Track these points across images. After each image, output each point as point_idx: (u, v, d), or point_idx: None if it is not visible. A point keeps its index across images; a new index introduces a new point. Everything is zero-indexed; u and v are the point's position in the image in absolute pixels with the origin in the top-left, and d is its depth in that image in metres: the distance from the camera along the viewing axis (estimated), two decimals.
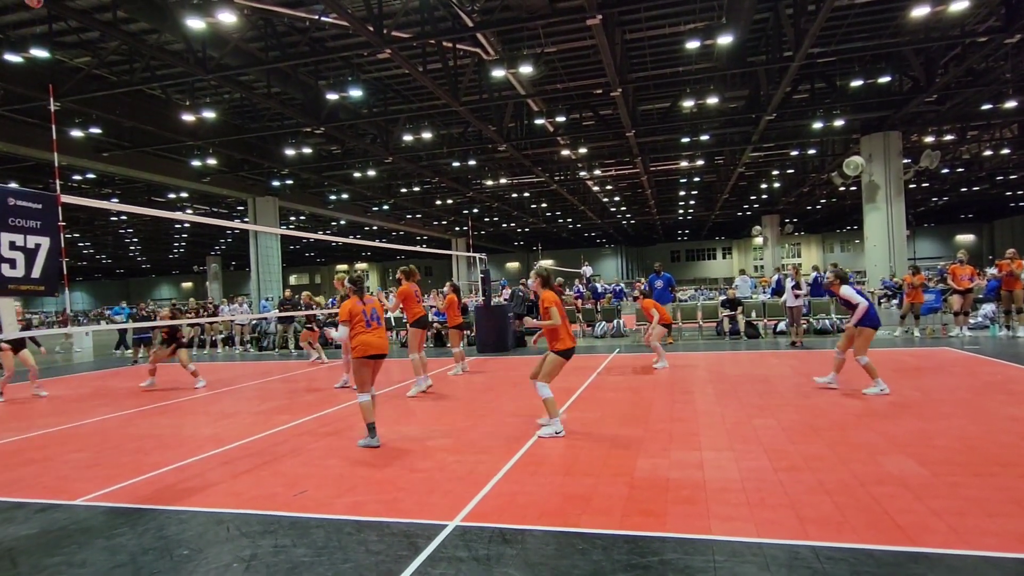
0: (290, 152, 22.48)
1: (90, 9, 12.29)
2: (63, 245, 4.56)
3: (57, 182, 5.36)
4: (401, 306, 8.58)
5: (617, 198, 39.44)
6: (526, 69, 14.43)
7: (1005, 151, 27.03)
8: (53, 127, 5.82)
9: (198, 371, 10.17)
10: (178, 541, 3.59)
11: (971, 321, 12.71)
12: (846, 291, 7.00)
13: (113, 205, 13.00)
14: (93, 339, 21.20)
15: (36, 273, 4.20)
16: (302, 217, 39.18)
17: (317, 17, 12.34)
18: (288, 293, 17.90)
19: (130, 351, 16.45)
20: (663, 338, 10.43)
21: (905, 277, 12.63)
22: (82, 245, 48.07)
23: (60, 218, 4.44)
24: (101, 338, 23.61)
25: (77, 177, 25.47)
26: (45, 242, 4.26)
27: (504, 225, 48.60)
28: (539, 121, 20.33)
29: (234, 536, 3.61)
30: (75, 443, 6.35)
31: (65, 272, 4.95)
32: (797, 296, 11.82)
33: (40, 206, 4.27)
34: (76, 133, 18.36)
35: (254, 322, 17.77)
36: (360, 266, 72.53)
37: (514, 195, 35.65)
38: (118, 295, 70.62)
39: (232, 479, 4.78)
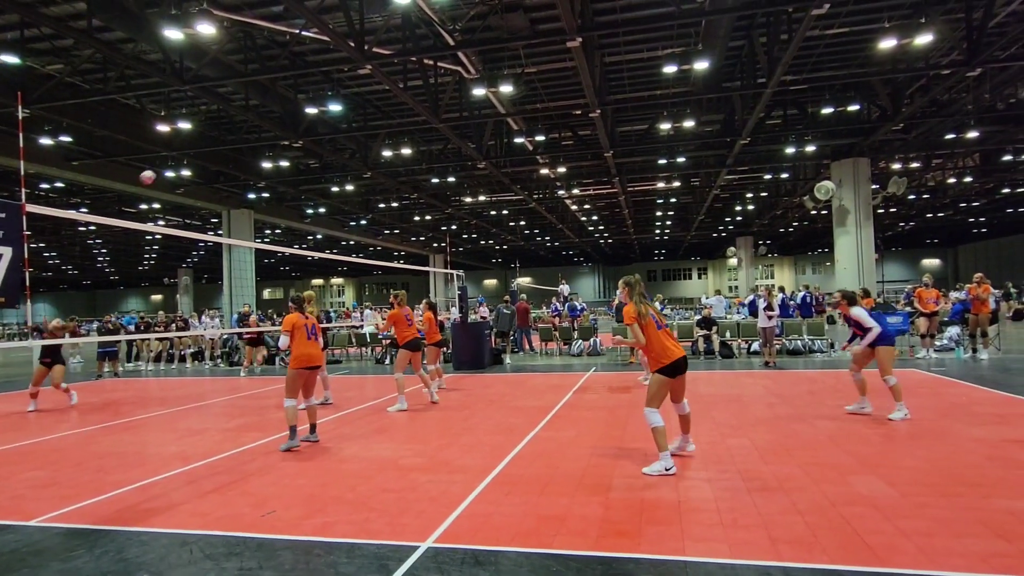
0: (267, 165, 22.27)
1: (65, 16, 12.10)
2: (27, 255, 4.42)
3: (23, 190, 5.22)
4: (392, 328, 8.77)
5: (595, 217, 39.83)
6: (506, 88, 14.57)
7: (968, 179, 28.03)
8: (20, 134, 5.68)
9: (70, 388, 10.09)
10: (138, 564, 3.45)
11: (937, 343, 13.03)
12: (857, 312, 6.81)
13: (81, 216, 12.67)
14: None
15: None
16: (278, 231, 38.74)
17: (298, 31, 12.32)
18: (246, 308, 17.58)
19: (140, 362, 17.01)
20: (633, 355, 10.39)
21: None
22: (48, 256, 46.78)
23: (25, 228, 4.32)
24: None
25: (45, 186, 24.86)
26: (7, 252, 4.13)
27: (482, 242, 48.64)
28: (519, 140, 20.50)
29: (197, 558, 3.49)
30: (32, 461, 6.11)
31: (28, 283, 4.80)
32: (770, 317, 12.01)
33: (3, 215, 4.15)
34: (45, 141, 17.94)
35: (224, 337, 17.42)
36: (336, 281, 71.87)
37: (493, 212, 35.76)
38: (84, 307, 68.81)
39: (197, 499, 4.64)
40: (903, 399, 6.70)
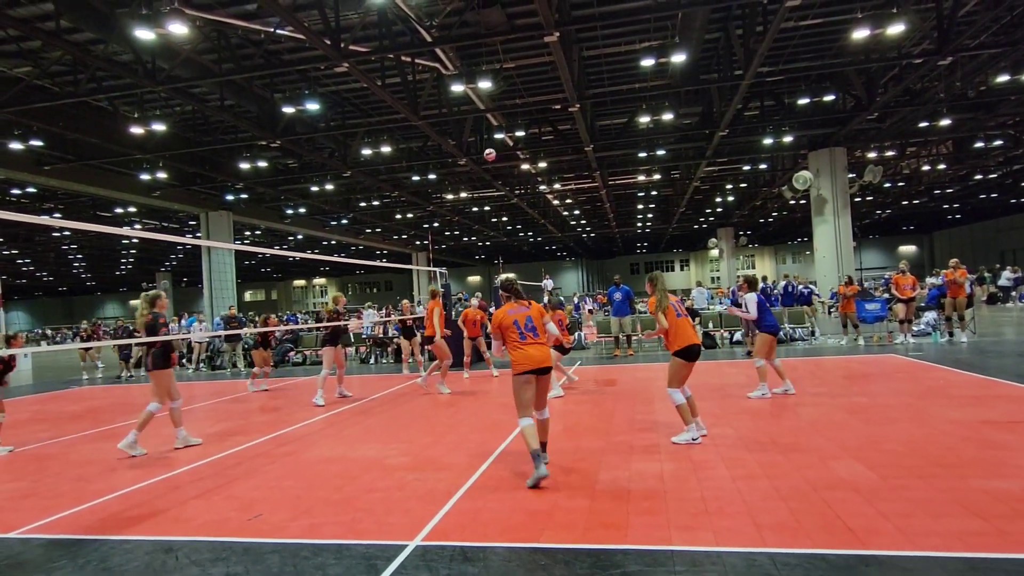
0: (245, 166, 21.97)
1: (31, 18, 11.81)
2: None
3: None
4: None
5: (577, 212, 39.93)
6: (485, 84, 14.52)
7: (941, 166, 28.54)
8: None
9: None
10: (122, 572, 3.41)
11: (914, 328, 13.28)
12: (749, 297, 7.42)
13: (54, 221, 12.39)
14: (32, 361, 20.15)
15: None
16: (257, 232, 38.32)
17: (272, 30, 12.16)
18: (232, 311, 17.40)
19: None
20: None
21: (839, 288, 13.12)
22: (21, 262, 45.80)
23: None
24: (40, 360, 22.49)
25: (16, 191, 24.31)
26: None
27: (465, 239, 48.55)
28: (499, 135, 20.45)
29: (183, 565, 3.46)
30: (11, 471, 5.99)
31: (0, 291, 4.70)
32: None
33: None
34: (15, 145, 17.55)
35: (206, 340, 17.20)
36: (319, 281, 71.30)
37: (475, 209, 35.69)
38: (60, 314, 67.52)
39: (181, 505, 4.59)
40: (767, 381, 7.42)
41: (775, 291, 16.70)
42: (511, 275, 5.24)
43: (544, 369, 4.69)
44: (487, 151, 9.04)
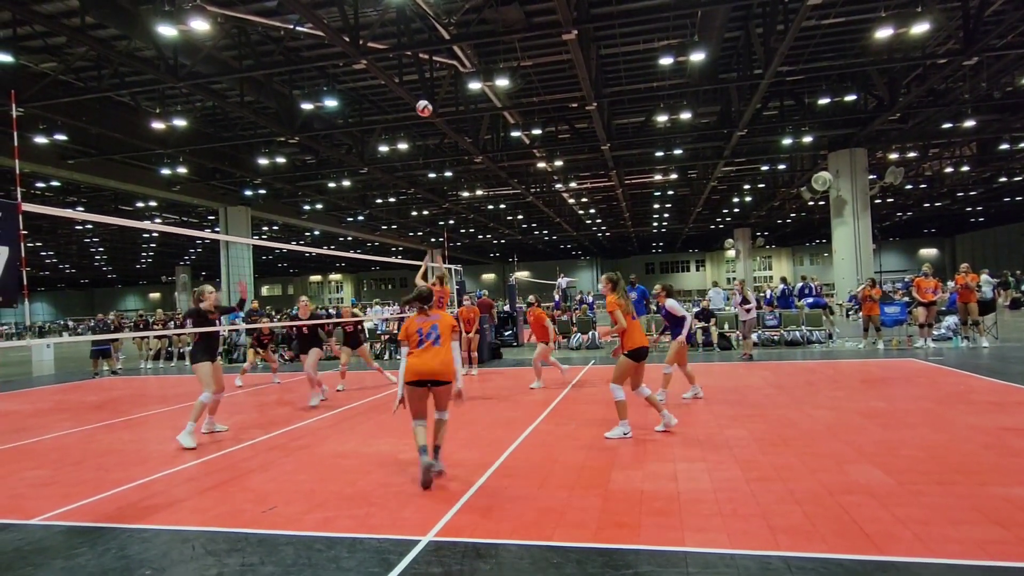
0: (263, 161, 22.21)
1: (57, 14, 12.03)
2: (24, 255, 4.42)
3: (19, 189, 5.20)
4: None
5: (592, 210, 39.80)
6: (502, 82, 14.53)
7: (965, 168, 28.04)
8: (15, 133, 5.66)
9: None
10: (141, 561, 3.47)
11: (935, 333, 13.07)
12: (671, 303, 7.34)
13: (77, 214, 12.47)
14: (55, 351, 20.55)
15: None
16: (275, 227, 38.71)
17: (292, 27, 12.27)
18: (256, 304, 17.60)
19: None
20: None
21: (864, 290, 12.96)
22: (45, 254, 46.68)
23: (21, 227, 4.31)
24: (62, 351, 22.92)
25: (40, 185, 24.80)
26: (4, 251, 4.12)
27: (480, 237, 48.62)
28: (515, 133, 20.45)
29: (199, 555, 3.51)
30: (32, 460, 6.12)
31: (25, 282, 4.79)
32: (748, 311, 11.91)
33: (0, 214, 4.13)
34: (40, 139, 17.89)
35: (223, 334, 17.40)
36: (334, 277, 71.83)
37: (490, 207, 35.73)
38: (82, 306, 68.74)
39: (198, 495, 4.65)
40: (667, 387, 7.43)
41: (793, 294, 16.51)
42: (425, 286, 5.17)
43: (438, 381, 4.74)
44: (421, 104, 8.66)
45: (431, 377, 4.71)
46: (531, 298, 11.09)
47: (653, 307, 18.57)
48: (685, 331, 7.35)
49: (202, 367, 6.60)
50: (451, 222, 40.14)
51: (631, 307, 5.87)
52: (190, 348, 6.67)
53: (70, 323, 51.66)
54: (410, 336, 4.81)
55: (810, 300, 15.40)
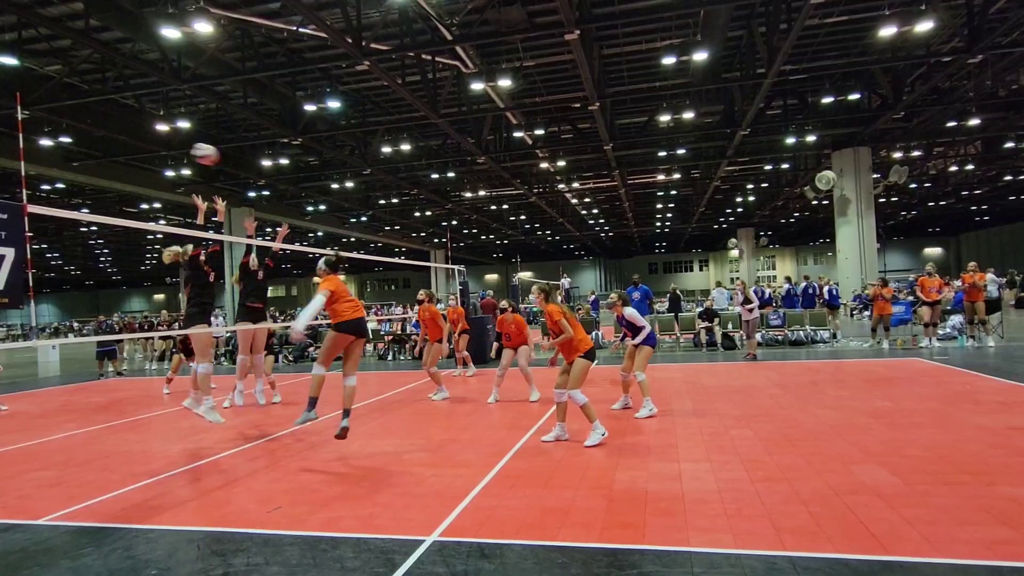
0: (267, 163, 22.26)
1: (62, 17, 12.08)
2: (29, 256, 4.43)
3: (24, 191, 5.23)
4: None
5: (595, 210, 39.78)
6: (505, 82, 14.54)
7: (969, 167, 27.93)
8: (20, 136, 5.69)
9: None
10: (146, 561, 3.47)
11: (940, 332, 13.02)
12: (630, 313, 7.05)
13: (82, 216, 12.53)
14: (60, 352, 20.64)
15: (0, 285, 4.07)
16: (279, 228, 38.75)
17: (295, 28, 12.29)
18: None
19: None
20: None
21: (874, 289, 12.91)
22: (50, 256, 46.87)
23: (27, 229, 4.33)
24: (68, 352, 22.99)
25: (46, 187, 24.90)
26: (10, 253, 4.14)
27: (483, 237, 48.64)
28: (518, 134, 20.46)
29: (205, 555, 3.52)
30: (38, 460, 6.14)
31: (31, 284, 4.81)
32: (751, 310, 11.84)
33: (5, 216, 4.15)
34: (45, 142, 17.96)
35: (228, 334, 17.44)
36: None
37: (493, 207, 35.74)
38: (87, 307, 68.97)
39: (203, 496, 4.66)
40: (650, 395, 6.91)
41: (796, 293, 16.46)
42: (330, 255, 5.96)
43: (359, 327, 5.48)
44: (199, 150, 7.27)
45: (360, 322, 5.53)
46: (566, 284, 10.22)
47: (656, 307, 18.57)
48: (642, 336, 6.97)
49: (201, 334, 6.39)
50: (454, 223, 40.16)
51: (571, 311, 5.83)
52: (185, 312, 6.50)
53: (75, 324, 51.84)
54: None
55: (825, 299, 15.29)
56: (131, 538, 3.83)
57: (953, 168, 28.26)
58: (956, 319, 13.61)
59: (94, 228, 36.20)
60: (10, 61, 12.84)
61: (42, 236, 36.62)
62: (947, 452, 4.85)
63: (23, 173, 5.37)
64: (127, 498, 4.70)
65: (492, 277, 65.35)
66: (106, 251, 47.31)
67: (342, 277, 5.75)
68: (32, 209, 4.52)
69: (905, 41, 14.66)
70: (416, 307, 10.33)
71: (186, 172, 22.82)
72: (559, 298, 5.85)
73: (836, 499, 3.90)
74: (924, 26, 12.86)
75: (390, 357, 16.16)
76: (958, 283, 15.54)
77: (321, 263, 5.84)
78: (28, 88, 13.88)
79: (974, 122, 20.24)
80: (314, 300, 5.27)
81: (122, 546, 3.71)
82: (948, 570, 2.92)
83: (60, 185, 24.62)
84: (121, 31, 12.17)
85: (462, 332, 11.18)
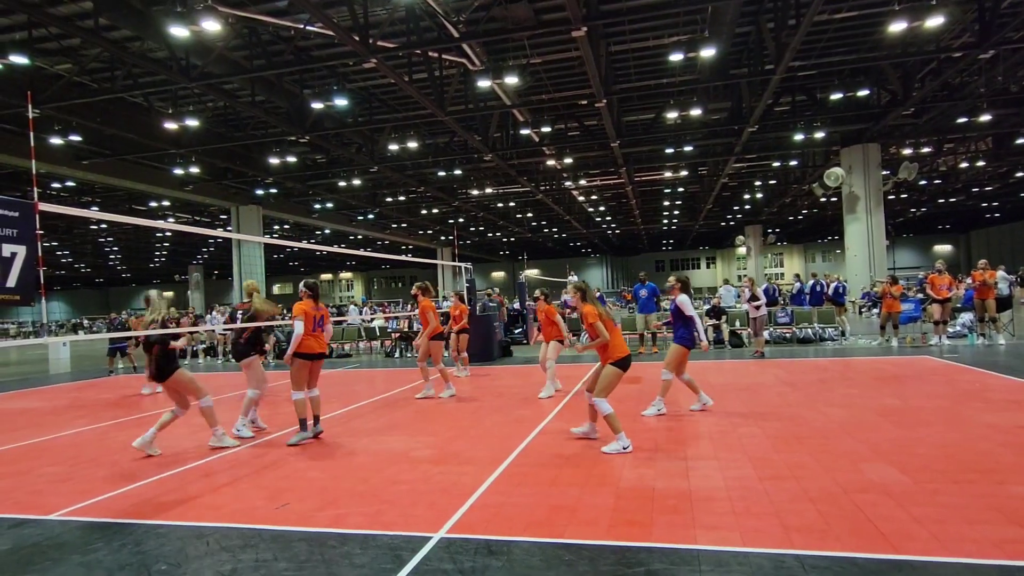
0: (274, 161, 22.34)
1: (72, 16, 12.16)
2: (40, 254, 4.47)
3: (35, 190, 5.28)
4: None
5: (602, 208, 39.69)
6: (511, 79, 14.52)
7: (980, 163, 27.67)
8: (31, 134, 5.74)
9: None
10: (156, 556, 3.51)
11: (950, 330, 12.92)
12: (683, 299, 6.69)
13: (93, 213, 12.68)
14: (71, 349, 20.82)
15: (11, 282, 4.11)
16: (286, 226, 38.93)
17: (302, 26, 12.32)
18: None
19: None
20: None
21: (884, 287, 12.83)
22: (60, 254, 47.27)
23: (38, 226, 4.36)
24: (78, 349, 23.19)
25: (56, 185, 25.10)
26: (21, 251, 4.18)
27: (489, 235, 48.64)
28: (524, 131, 20.43)
29: (214, 550, 3.54)
30: (49, 456, 6.20)
31: (42, 281, 4.86)
32: (757, 308, 11.78)
33: (17, 214, 4.19)
34: (55, 140, 18.09)
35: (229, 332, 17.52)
36: (345, 275, 72.16)
37: (499, 205, 35.74)
38: (97, 305, 69.50)
39: (212, 492, 4.70)
40: (665, 396, 6.80)
41: (805, 291, 16.38)
42: (312, 280, 6.55)
43: (321, 355, 6.30)
44: None
45: (318, 351, 6.29)
46: (537, 292, 9.55)
47: (664, 304, 18.52)
48: (701, 333, 6.68)
49: (256, 362, 6.92)
50: (461, 220, 40.19)
51: (608, 314, 5.59)
52: (234, 346, 6.94)
53: (85, 321, 52.28)
54: (308, 320, 6.15)
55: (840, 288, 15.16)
56: (141, 534, 3.86)
57: (963, 164, 28.00)
58: (966, 317, 13.50)
59: (104, 226, 36.46)
60: (21, 60, 12.95)
61: (53, 234, 36.94)
62: (957, 450, 4.81)
63: (34, 171, 5.41)
64: (137, 494, 4.74)
65: (499, 275, 65.36)
66: (116, 249, 47.65)
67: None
68: (43, 207, 4.56)
69: (915, 36, 14.53)
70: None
71: (194, 170, 22.95)
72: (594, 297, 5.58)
73: (844, 497, 3.89)
74: (935, 21, 12.75)
75: (396, 354, 16.20)
76: (968, 280, 15.41)
77: (302, 285, 6.52)
78: (39, 87, 14.00)
79: (985, 118, 20.06)
80: (295, 330, 6.11)
81: (132, 541, 3.74)
82: (958, 569, 2.91)
83: (70, 183, 24.82)
84: (130, 30, 12.24)
85: (460, 331, 10.78)
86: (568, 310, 18.29)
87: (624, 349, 5.44)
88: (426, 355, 8.67)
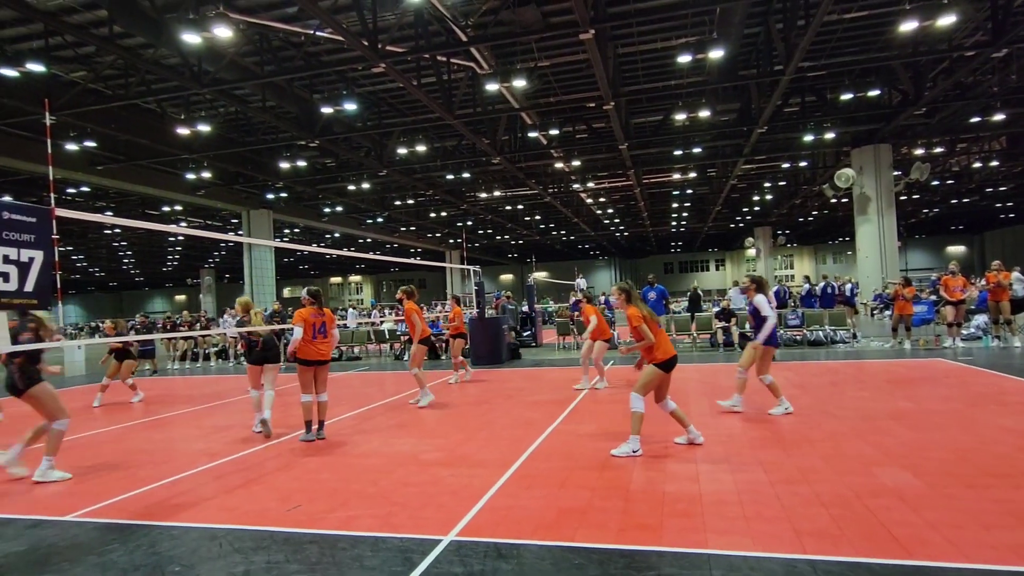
0: (284, 165, 22.50)
1: (87, 24, 12.33)
2: (56, 258, 4.54)
3: (52, 195, 5.35)
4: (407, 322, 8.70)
5: (610, 210, 39.61)
6: (520, 83, 14.54)
7: (994, 163, 27.37)
8: (48, 141, 5.83)
9: (136, 385, 10.48)
10: (170, 557, 3.54)
11: (964, 332, 12.78)
12: (760, 300, 6.57)
13: (107, 218, 12.93)
14: (85, 352, 21.04)
15: (29, 287, 4.17)
16: (296, 230, 39.16)
17: (312, 32, 12.41)
18: (278, 306, 17.84)
19: None
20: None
21: (896, 288, 12.72)
22: (76, 258, 47.82)
23: (54, 231, 4.43)
24: (94, 351, 23.39)
25: (71, 190, 25.41)
26: (39, 255, 4.24)
27: (498, 237, 48.68)
28: (533, 134, 20.45)
29: (227, 552, 3.57)
30: (65, 458, 6.26)
31: (58, 285, 4.93)
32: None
33: (34, 219, 4.25)
34: (71, 147, 18.34)
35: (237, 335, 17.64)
36: (354, 279, 72.46)
37: (508, 207, 35.77)
38: (111, 308, 70.22)
39: (225, 494, 4.73)
40: (783, 394, 6.68)
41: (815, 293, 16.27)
42: (315, 288, 6.77)
43: (324, 361, 6.47)
44: None
45: (322, 358, 6.48)
46: (582, 284, 9.38)
47: (672, 307, 18.44)
48: (763, 335, 6.49)
49: (253, 370, 7.04)
50: (469, 223, 40.25)
51: (654, 315, 5.42)
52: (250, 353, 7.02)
53: (99, 325, 52.82)
54: (307, 327, 6.32)
55: (849, 291, 15.06)
56: (155, 535, 3.90)
57: (977, 164, 27.70)
58: (980, 319, 13.35)
59: (118, 230, 36.84)
60: (38, 68, 13.14)
61: (68, 238, 37.40)
62: (971, 454, 4.76)
63: (51, 177, 5.48)
64: (151, 495, 4.79)
65: (507, 277, 65.39)
66: (129, 253, 48.16)
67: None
68: (59, 212, 4.62)
69: (927, 35, 14.40)
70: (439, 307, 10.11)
71: (206, 175, 23.17)
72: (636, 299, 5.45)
73: (857, 501, 3.85)
74: (946, 20, 12.63)
75: (406, 357, 16.24)
76: (982, 282, 15.24)
77: (304, 292, 6.66)
78: (55, 94, 14.19)
79: (999, 117, 19.84)
80: (294, 334, 6.31)
81: (147, 543, 3.78)
82: (975, 575, 2.88)
83: (85, 188, 25.12)
84: (143, 37, 12.38)
85: (455, 336, 10.65)
86: (576, 313, 18.29)
87: (670, 350, 5.31)
88: (416, 362, 8.46)
